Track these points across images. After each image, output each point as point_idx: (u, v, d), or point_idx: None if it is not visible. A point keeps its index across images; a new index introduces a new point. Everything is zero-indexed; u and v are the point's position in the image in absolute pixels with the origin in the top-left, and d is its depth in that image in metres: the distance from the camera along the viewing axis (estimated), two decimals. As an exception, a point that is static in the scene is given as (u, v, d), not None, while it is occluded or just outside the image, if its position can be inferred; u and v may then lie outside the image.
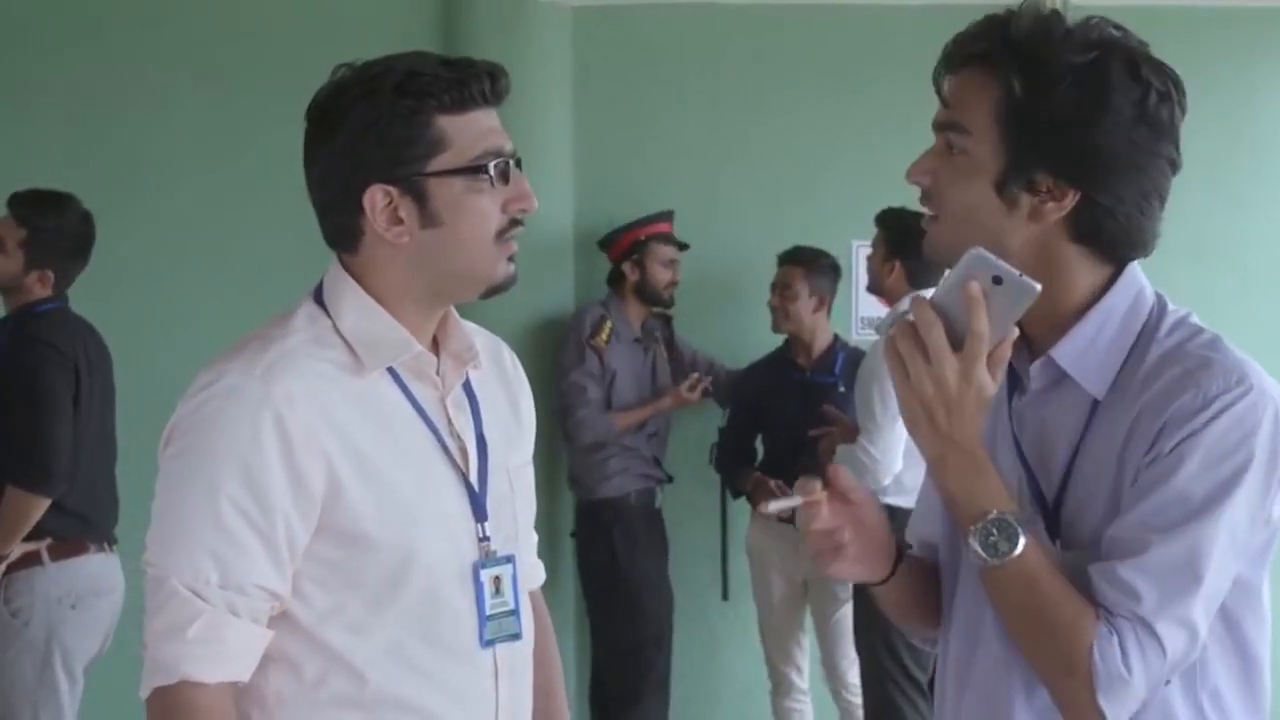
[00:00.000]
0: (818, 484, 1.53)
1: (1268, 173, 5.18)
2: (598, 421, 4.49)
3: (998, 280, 1.37)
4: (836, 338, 4.59)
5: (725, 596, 4.85)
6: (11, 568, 3.50)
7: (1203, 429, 1.39)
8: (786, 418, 4.50)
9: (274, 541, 1.54)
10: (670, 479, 4.71)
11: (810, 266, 4.51)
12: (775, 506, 1.55)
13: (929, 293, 1.44)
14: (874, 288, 4.43)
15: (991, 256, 1.38)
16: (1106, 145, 1.42)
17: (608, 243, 4.68)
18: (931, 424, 1.42)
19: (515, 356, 1.86)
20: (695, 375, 4.63)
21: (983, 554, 1.42)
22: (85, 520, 3.61)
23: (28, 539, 3.49)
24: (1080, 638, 1.39)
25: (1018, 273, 1.38)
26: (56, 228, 3.64)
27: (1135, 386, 1.46)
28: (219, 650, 1.53)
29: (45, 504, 3.47)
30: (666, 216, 4.66)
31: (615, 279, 4.67)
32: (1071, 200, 1.45)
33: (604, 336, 4.53)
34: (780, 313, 4.56)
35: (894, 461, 4.02)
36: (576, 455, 4.56)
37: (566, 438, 4.57)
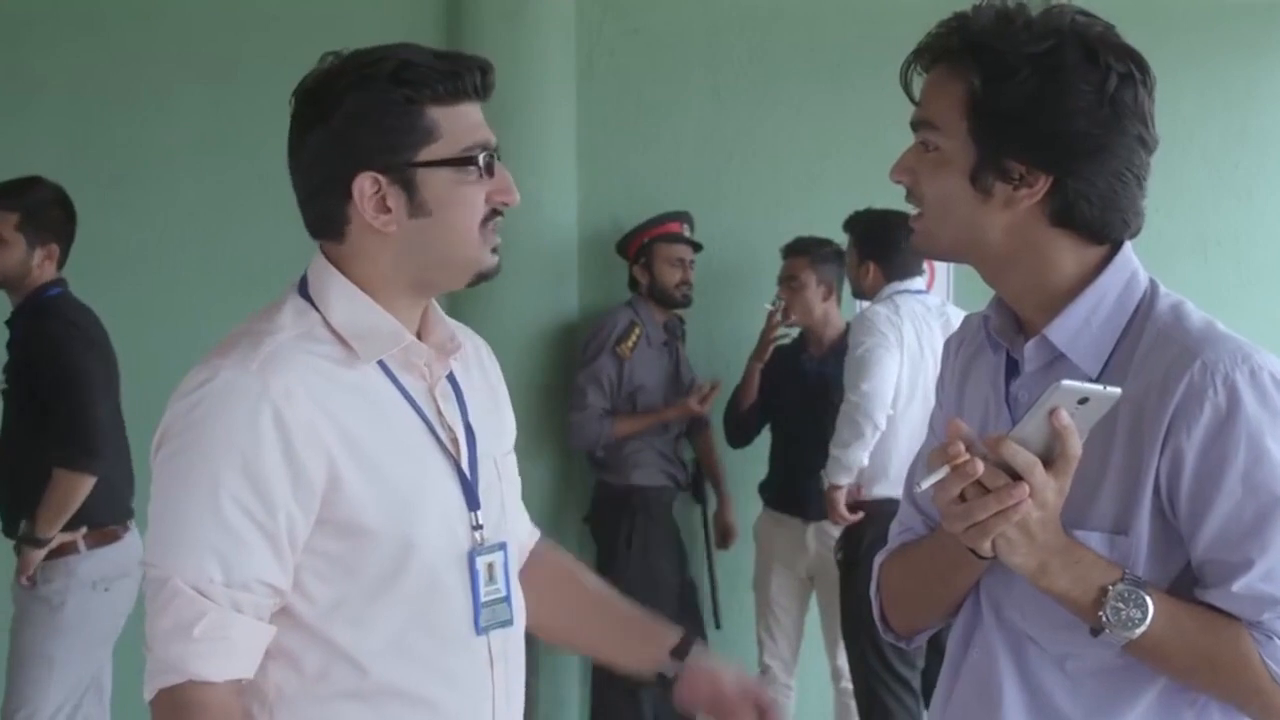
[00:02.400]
0: (959, 446, 1.40)
1: (1272, 166, 5.18)
2: (589, 426, 4.50)
3: (1083, 400, 1.39)
4: (849, 326, 4.59)
5: (717, 624, 4.81)
6: (47, 555, 3.53)
7: (1228, 415, 1.41)
8: (790, 405, 4.53)
9: (276, 537, 1.54)
10: (700, 476, 4.74)
11: (815, 255, 4.50)
12: (928, 482, 1.42)
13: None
14: (855, 291, 4.47)
15: (1076, 383, 1.39)
16: (1071, 129, 1.45)
17: (623, 248, 4.69)
18: (1032, 544, 1.43)
19: (487, 346, 1.87)
20: (708, 384, 4.62)
21: (1124, 632, 1.43)
22: (120, 503, 3.66)
23: (66, 527, 3.52)
24: (1246, 655, 1.42)
25: (1102, 386, 1.40)
26: (44, 200, 3.67)
27: (1134, 364, 1.48)
28: (225, 648, 1.52)
29: (90, 483, 3.50)
30: (674, 217, 4.65)
31: (634, 283, 4.68)
32: (1044, 186, 1.47)
33: (630, 344, 4.53)
34: (789, 305, 4.56)
35: (885, 393, 4.07)
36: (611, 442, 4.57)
37: (567, 440, 4.60)
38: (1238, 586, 1.41)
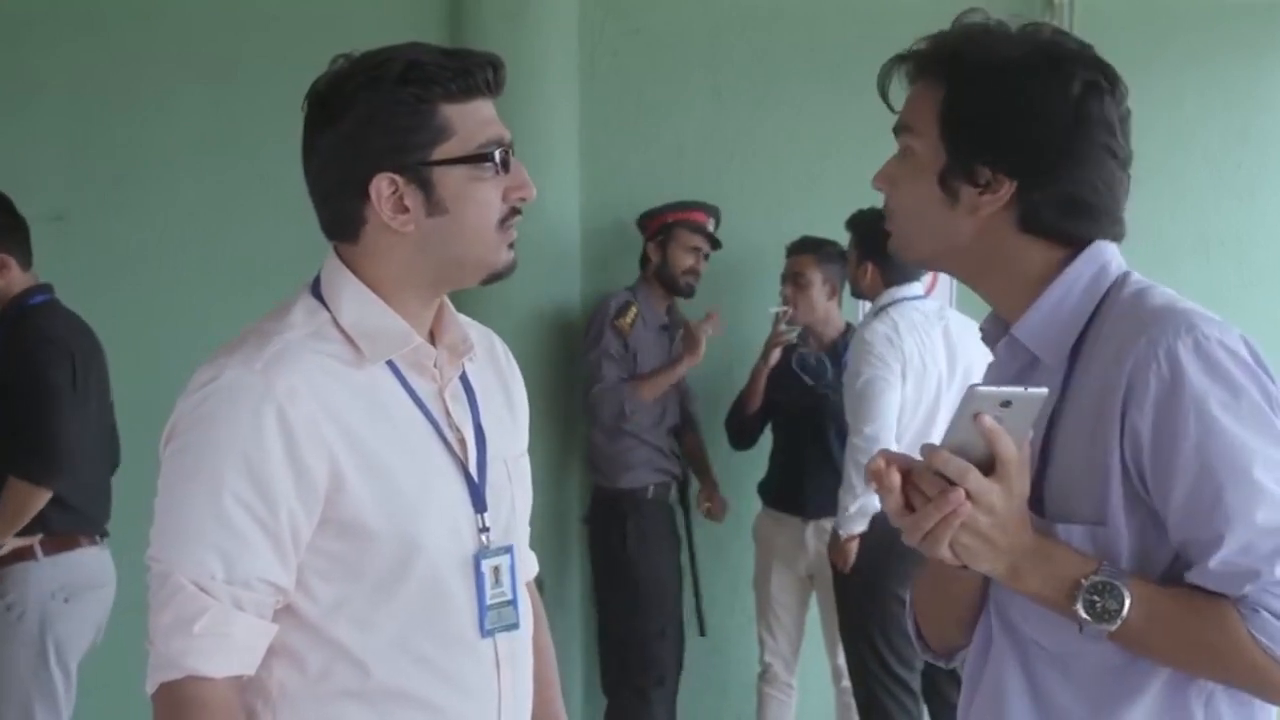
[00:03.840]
0: (879, 461, 1.42)
1: (1274, 166, 5.17)
2: (612, 394, 4.45)
3: (1006, 403, 1.38)
4: (849, 326, 4.58)
5: (702, 632, 4.76)
6: (3, 561, 3.50)
7: (1172, 388, 1.39)
8: (788, 404, 4.54)
9: (278, 536, 1.54)
10: (686, 477, 4.72)
11: (820, 254, 4.51)
12: (856, 505, 1.45)
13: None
14: (854, 291, 4.48)
15: (991, 388, 1.39)
16: (1034, 136, 1.47)
17: (643, 221, 4.67)
18: (994, 549, 1.43)
19: (506, 347, 1.87)
20: (704, 319, 4.55)
21: (1102, 625, 1.42)
22: (81, 515, 3.61)
23: (21, 533, 3.49)
24: (1234, 633, 1.40)
25: (1022, 388, 1.39)
26: None
27: (1097, 351, 1.48)
28: (225, 644, 1.53)
29: (47, 496, 3.47)
30: (702, 207, 4.63)
31: (644, 261, 4.66)
32: (1007, 191, 1.49)
33: (629, 320, 4.52)
34: (794, 302, 4.57)
35: (889, 436, 4.01)
36: (598, 443, 4.55)
37: (591, 417, 4.56)
38: (1214, 563, 1.39)
